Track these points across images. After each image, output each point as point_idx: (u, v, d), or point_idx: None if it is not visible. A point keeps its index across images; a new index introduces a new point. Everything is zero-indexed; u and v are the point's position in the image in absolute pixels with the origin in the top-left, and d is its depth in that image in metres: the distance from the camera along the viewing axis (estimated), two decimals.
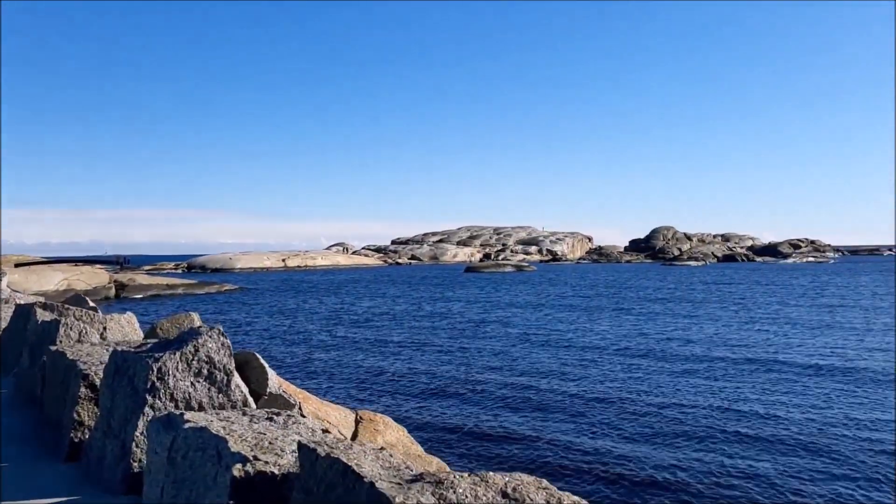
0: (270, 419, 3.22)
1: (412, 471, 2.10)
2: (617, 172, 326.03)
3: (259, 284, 60.39)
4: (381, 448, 2.31)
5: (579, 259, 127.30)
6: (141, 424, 3.87)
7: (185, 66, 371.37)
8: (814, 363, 18.36)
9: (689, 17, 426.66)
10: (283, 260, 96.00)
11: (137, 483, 3.79)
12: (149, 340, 5.67)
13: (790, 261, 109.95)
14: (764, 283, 54.94)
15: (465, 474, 2.03)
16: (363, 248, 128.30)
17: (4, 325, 9.75)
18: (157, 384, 3.93)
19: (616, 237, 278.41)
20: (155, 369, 3.93)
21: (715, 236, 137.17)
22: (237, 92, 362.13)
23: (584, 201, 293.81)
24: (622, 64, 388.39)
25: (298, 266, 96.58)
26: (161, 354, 3.98)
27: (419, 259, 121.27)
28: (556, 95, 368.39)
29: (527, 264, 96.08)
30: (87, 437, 4.57)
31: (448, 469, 5.39)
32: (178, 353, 3.98)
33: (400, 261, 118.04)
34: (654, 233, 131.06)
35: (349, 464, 2.02)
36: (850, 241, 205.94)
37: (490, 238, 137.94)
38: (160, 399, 3.92)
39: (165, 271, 78.32)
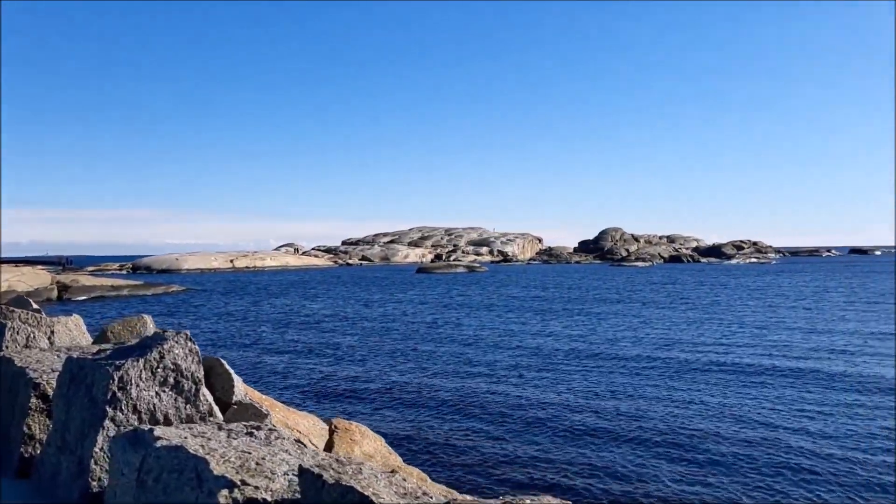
0: (251, 434, 2.92)
1: (431, 498, 1.85)
2: (567, 173, 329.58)
3: (207, 285, 59.14)
4: (393, 471, 2.04)
5: (530, 260, 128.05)
6: (100, 439, 3.52)
7: (127, 64, 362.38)
8: (760, 363, 18.62)
9: (644, 17, 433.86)
10: (231, 261, 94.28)
11: None
12: (104, 346, 5.29)
13: (734, 262, 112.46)
14: (709, 284, 55.95)
15: (494, 501, 1.79)
16: (313, 249, 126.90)
17: None
18: (119, 394, 3.58)
19: (565, 238, 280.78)
20: (116, 378, 3.59)
21: (661, 237, 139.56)
22: (183, 89, 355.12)
23: (534, 202, 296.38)
24: (573, 66, 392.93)
25: (247, 267, 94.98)
26: (122, 362, 3.64)
27: (370, 260, 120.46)
28: (507, 97, 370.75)
29: (478, 265, 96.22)
30: (38, 451, 4.19)
31: (429, 479, 5.14)
32: (141, 361, 3.65)
33: (350, 261, 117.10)
34: (603, 234, 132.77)
35: (365, 493, 1.75)
36: (790, 243, 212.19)
37: (441, 239, 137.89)
38: (122, 411, 3.58)
39: (110, 272, 76.27)
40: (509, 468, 10.04)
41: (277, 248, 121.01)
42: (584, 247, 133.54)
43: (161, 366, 3.65)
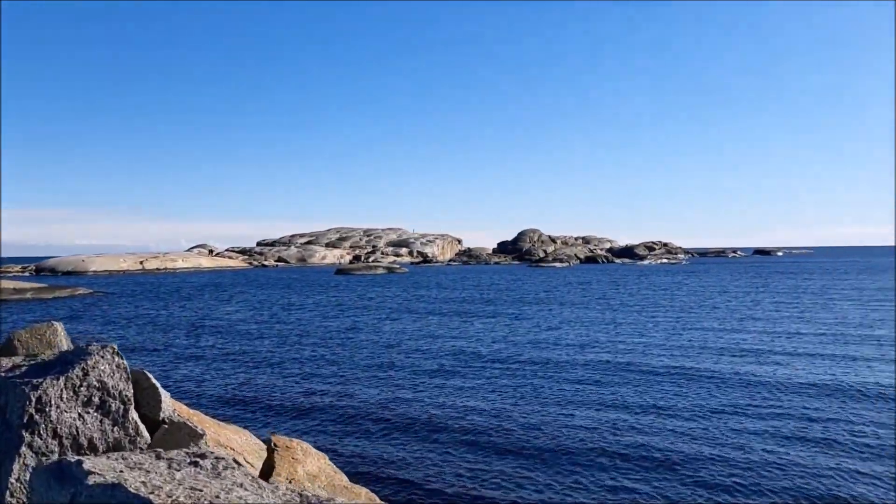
0: (195, 464, 2.58)
1: None
2: (485, 175, 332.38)
3: (116, 288, 56.77)
4: None
5: (450, 261, 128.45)
6: (17, 468, 3.11)
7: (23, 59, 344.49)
8: (668, 364, 19.07)
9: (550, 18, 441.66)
10: (141, 262, 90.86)
11: None
12: (17, 360, 4.80)
13: (646, 262, 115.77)
14: (625, 284, 57.30)
15: None
16: (227, 250, 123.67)
17: None
18: (37, 417, 3.18)
19: (484, 239, 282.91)
20: (33, 399, 3.18)
21: (576, 238, 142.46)
22: (82, 81, 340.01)
23: (453, 203, 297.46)
24: (491, 65, 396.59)
25: (158, 269, 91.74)
26: (40, 380, 3.23)
27: (286, 261, 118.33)
28: (424, 96, 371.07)
29: (398, 266, 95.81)
30: None
31: (378, 500, 4.86)
32: (62, 379, 3.25)
33: (266, 263, 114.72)
34: (521, 235, 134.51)
35: None
36: (698, 244, 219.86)
37: (360, 240, 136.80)
38: (40, 436, 3.18)
39: (11, 274, 72.34)
40: (457, 481, 9.84)
41: (190, 250, 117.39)
42: (503, 248, 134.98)
43: (85, 384, 3.27)
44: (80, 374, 3.18)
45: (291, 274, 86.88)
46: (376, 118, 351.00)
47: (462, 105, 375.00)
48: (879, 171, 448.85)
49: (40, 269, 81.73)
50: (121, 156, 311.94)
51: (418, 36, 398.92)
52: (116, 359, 3.28)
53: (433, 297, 45.49)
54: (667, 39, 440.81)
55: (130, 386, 3.34)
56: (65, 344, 7.73)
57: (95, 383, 3.23)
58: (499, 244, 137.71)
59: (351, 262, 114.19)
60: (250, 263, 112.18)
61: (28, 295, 47.09)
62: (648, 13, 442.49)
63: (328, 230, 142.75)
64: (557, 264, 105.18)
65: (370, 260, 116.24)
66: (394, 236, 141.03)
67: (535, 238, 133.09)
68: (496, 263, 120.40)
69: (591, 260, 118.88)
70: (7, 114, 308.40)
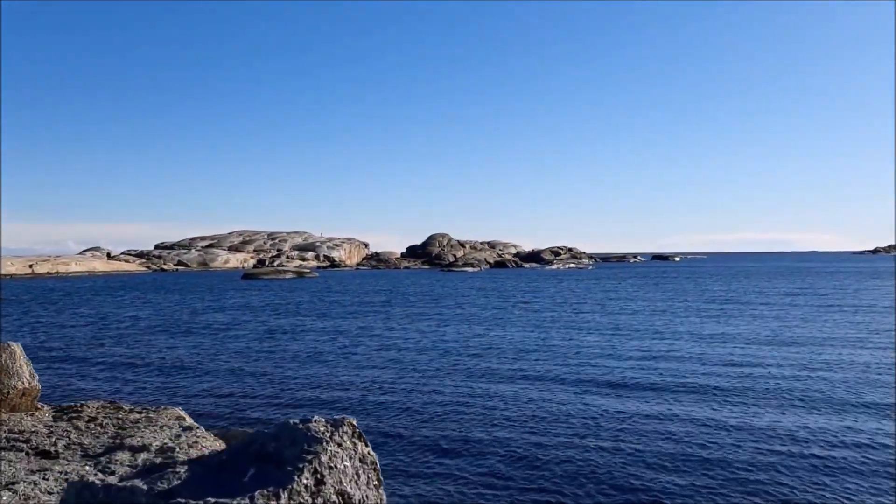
0: None
1: None
2: (391, 177, 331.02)
3: (4, 294, 52.35)
4: None
5: (358, 265, 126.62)
6: None
7: None
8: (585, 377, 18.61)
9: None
10: (31, 265, 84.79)
11: None
12: (147, 457, 3.42)
13: (554, 267, 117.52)
14: (539, 288, 57.45)
15: None
16: (123, 253, 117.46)
17: None
18: None
19: (392, 243, 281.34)
20: None
21: (482, 243, 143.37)
22: None
23: (358, 207, 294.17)
24: (400, 63, 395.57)
25: (48, 273, 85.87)
26: None
27: (187, 265, 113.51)
28: (328, 94, 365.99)
29: (308, 270, 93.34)
30: None
31: None
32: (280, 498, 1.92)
33: (165, 266, 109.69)
34: (431, 239, 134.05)
35: None
36: (598, 249, 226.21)
37: (264, 243, 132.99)
38: None
39: None
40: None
41: (82, 252, 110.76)
42: (412, 252, 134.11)
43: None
44: (312, 483, 1.79)
45: (194, 278, 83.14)
46: (279, 116, 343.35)
47: (366, 106, 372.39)
48: (769, 178, 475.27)
49: None
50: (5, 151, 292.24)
51: (323, 29, 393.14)
52: (360, 446, 1.92)
53: (347, 301, 44.02)
54: (572, 35, 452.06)
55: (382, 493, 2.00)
56: (26, 371, 6.21)
57: (334, 498, 1.85)
58: (408, 248, 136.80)
59: (255, 267, 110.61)
60: (148, 267, 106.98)
61: None
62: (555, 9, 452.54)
63: (230, 233, 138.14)
64: (469, 269, 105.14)
65: (275, 264, 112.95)
66: (299, 240, 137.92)
67: (445, 242, 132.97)
68: (406, 268, 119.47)
69: (500, 265, 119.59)
70: None
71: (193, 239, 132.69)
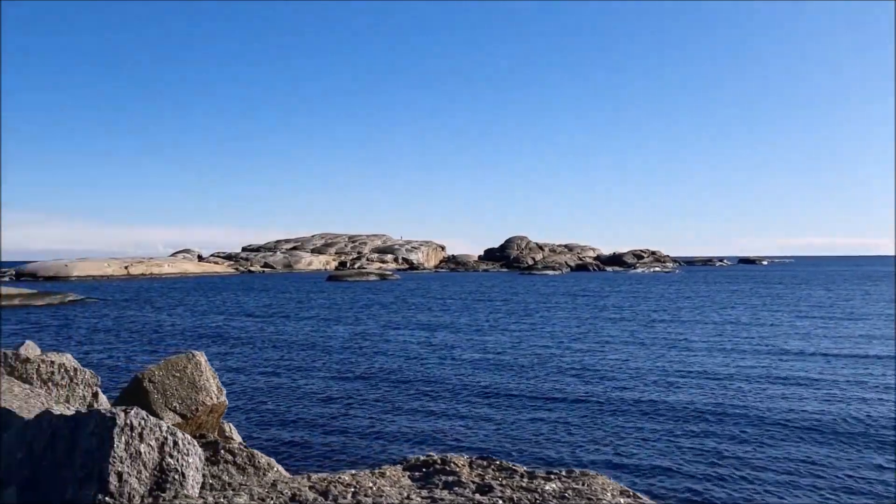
0: None
1: None
2: (466, 182, 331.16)
3: (105, 294, 54.58)
4: None
5: (436, 268, 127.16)
6: None
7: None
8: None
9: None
10: (126, 267, 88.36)
11: None
12: None
13: (638, 270, 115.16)
14: (630, 293, 56.28)
15: None
16: (212, 256, 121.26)
17: None
18: None
19: (465, 246, 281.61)
20: None
21: (560, 246, 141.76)
22: (60, 77, 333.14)
23: (434, 210, 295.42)
24: (476, 71, 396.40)
25: (143, 274, 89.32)
26: None
27: (272, 267, 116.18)
28: (408, 102, 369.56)
29: (390, 272, 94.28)
30: None
31: None
32: None
33: (252, 269, 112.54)
34: (509, 242, 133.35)
35: None
36: (678, 252, 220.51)
37: (345, 246, 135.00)
38: None
39: None
40: None
41: (174, 255, 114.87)
42: (490, 255, 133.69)
43: None
44: None
45: (281, 280, 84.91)
46: (361, 124, 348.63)
47: (443, 112, 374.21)
48: (856, 184, 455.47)
49: (20, 273, 78.99)
50: (93, 158, 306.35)
51: (404, 41, 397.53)
52: None
53: (444, 306, 44.03)
54: (653, 43, 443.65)
55: None
56: (213, 384, 6.13)
57: None
58: (486, 251, 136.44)
59: (337, 269, 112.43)
60: (236, 269, 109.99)
61: (16, 301, 44.97)
62: (637, 15, 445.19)
63: (313, 236, 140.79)
64: (549, 272, 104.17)
65: (356, 266, 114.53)
66: (378, 242, 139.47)
67: (524, 245, 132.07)
68: (484, 271, 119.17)
69: (581, 268, 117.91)
70: None
71: (278, 242, 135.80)
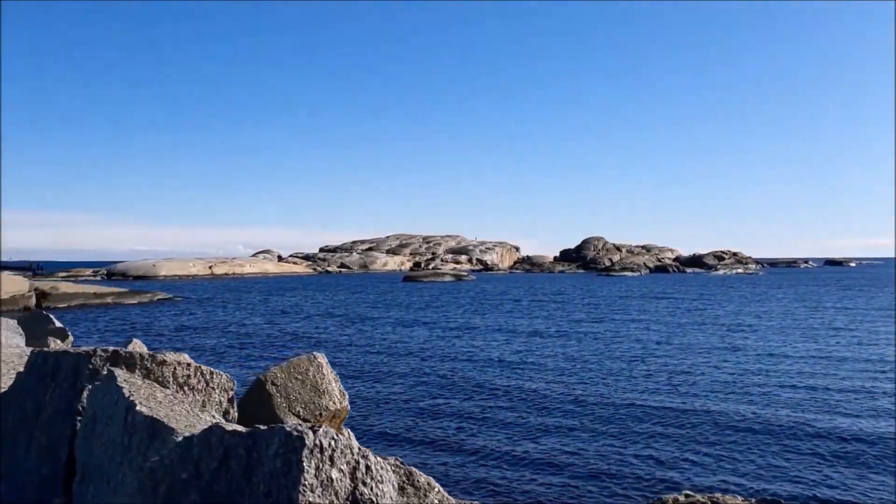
0: None
1: None
2: (540, 182, 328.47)
3: (192, 293, 55.93)
4: None
5: (510, 269, 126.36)
6: None
7: (81, 64, 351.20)
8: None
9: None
10: (210, 267, 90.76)
11: None
12: None
13: (720, 272, 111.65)
14: (725, 296, 54.39)
15: None
16: (290, 256, 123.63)
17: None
18: None
19: (538, 247, 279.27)
20: None
21: (637, 247, 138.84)
22: (125, 89, 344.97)
23: (507, 211, 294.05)
24: (549, 73, 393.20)
25: (226, 273, 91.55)
26: None
27: (348, 267, 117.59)
28: (476, 104, 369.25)
29: (465, 273, 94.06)
30: None
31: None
32: None
33: (329, 269, 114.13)
34: (585, 243, 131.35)
35: None
36: (758, 254, 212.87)
37: (420, 247, 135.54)
38: None
39: (83, 278, 72.51)
40: None
41: (255, 255, 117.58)
42: (566, 256, 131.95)
43: None
44: None
45: (358, 280, 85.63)
46: (433, 126, 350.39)
47: (513, 112, 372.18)
48: None
49: (111, 273, 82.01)
50: (178, 163, 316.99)
51: (451, 38, 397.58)
52: None
53: (524, 308, 43.37)
54: (717, 41, 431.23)
55: None
56: (335, 389, 5.81)
57: None
58: (561, 252, 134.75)
59: (412, 269, 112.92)
60: (314, 269, 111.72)
61: (109, 300, 46.43)
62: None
63: (388, 237, 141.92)
64: (628, 273, 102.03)
65: (430, 267, 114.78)
66: (452, 243, 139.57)
67: (600, 246, 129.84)
68: (560, 272, 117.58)
69: (660, 269, 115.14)
70: (70, 117, 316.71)
71: (354, 242, 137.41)
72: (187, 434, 3.31)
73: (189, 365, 4.82)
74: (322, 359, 5.89)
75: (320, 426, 2.73)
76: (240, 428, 3.09)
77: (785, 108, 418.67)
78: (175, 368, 4.60)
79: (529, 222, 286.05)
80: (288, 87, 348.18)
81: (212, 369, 5.00)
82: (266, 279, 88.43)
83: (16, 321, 7.83)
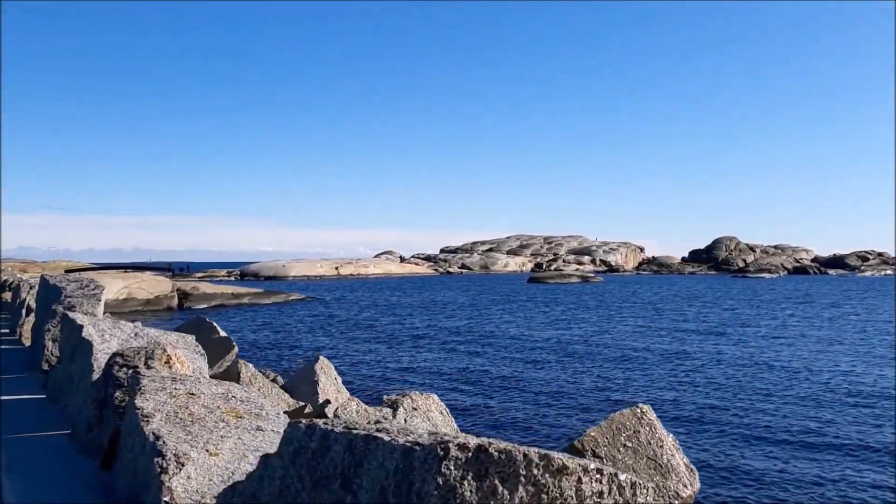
0: None
1: None
2: (661, 181, 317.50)
3: (322, 294, 56.13)
4: None
5: (636, 270, 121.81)
6: None
7: (207, 70, 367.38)
8: None
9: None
10: (336, 268, 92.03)
11: None
12: None
13: (866, 274, 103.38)
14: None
15: None
16: (413, 257, 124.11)
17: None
18: None
19: (663, 247, 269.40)
20: None
21: (770, 247, 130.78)
22: (248, 95, 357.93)
23: (629, 211, 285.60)
24: (671, 71, 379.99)
25: (351, 274, 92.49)
26: None
27: (469, 268, 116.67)
28: (595, 101, 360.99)
29: (591, 274, 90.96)
30: None
31: None
32: None
33: (451, 270, 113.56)
34: (716, 243, 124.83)
35: None
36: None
37: (541, 247, 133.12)
38: None
39: (218, 279, 74.64)
40: None
41: (377, 256, 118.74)
42: (696, 256, 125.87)
43: None
44: None
45: (483, 281, 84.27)
46: (551, 126, 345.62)
47: (623, 109, 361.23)
48: None
49: (244, 273, 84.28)
50: (295, 169, 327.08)
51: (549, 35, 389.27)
52: None
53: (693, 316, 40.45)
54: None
55: None
56: (679, 460, 3.84)
57: None
58: (690, 253, 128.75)
59: (533, 270, 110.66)
60: (436, 270, 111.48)
61: (245, 300, 46.93)
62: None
63: (508, 237, 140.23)
64: (765, 275, 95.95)
65: (553, 268, 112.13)
66: (574, 244, 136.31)
67: (733, 246, 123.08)
68: (690, 273, 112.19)
69: (798, 271, 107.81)
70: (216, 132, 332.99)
71: (474, 243, 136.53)
72: None
73: (601, 474, 2.60)
74: (650, 413, 4.07)
75: None
76: None
77: None
78: (580, 481, 2.30)
79: (649, 222, 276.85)
80: (407, 90, 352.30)
81: (634, 480, 3.02)
82: (389, 279, 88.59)
83: (193, 336, 6.42)
